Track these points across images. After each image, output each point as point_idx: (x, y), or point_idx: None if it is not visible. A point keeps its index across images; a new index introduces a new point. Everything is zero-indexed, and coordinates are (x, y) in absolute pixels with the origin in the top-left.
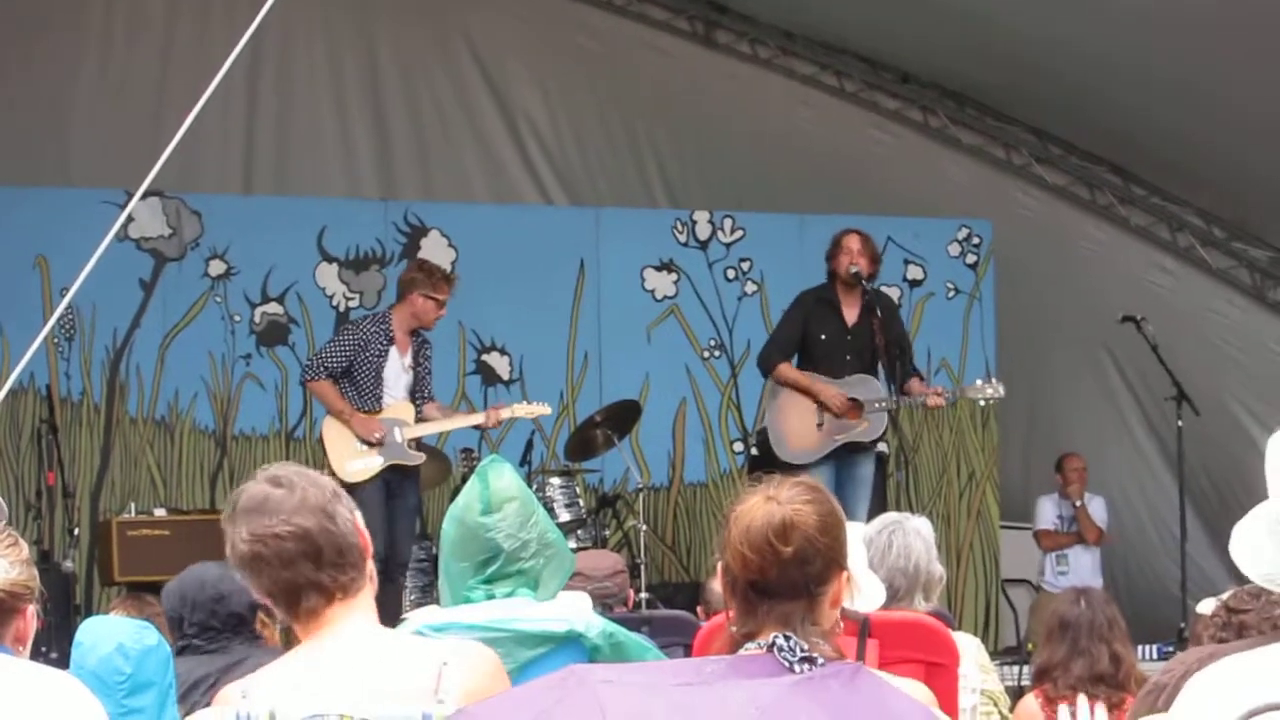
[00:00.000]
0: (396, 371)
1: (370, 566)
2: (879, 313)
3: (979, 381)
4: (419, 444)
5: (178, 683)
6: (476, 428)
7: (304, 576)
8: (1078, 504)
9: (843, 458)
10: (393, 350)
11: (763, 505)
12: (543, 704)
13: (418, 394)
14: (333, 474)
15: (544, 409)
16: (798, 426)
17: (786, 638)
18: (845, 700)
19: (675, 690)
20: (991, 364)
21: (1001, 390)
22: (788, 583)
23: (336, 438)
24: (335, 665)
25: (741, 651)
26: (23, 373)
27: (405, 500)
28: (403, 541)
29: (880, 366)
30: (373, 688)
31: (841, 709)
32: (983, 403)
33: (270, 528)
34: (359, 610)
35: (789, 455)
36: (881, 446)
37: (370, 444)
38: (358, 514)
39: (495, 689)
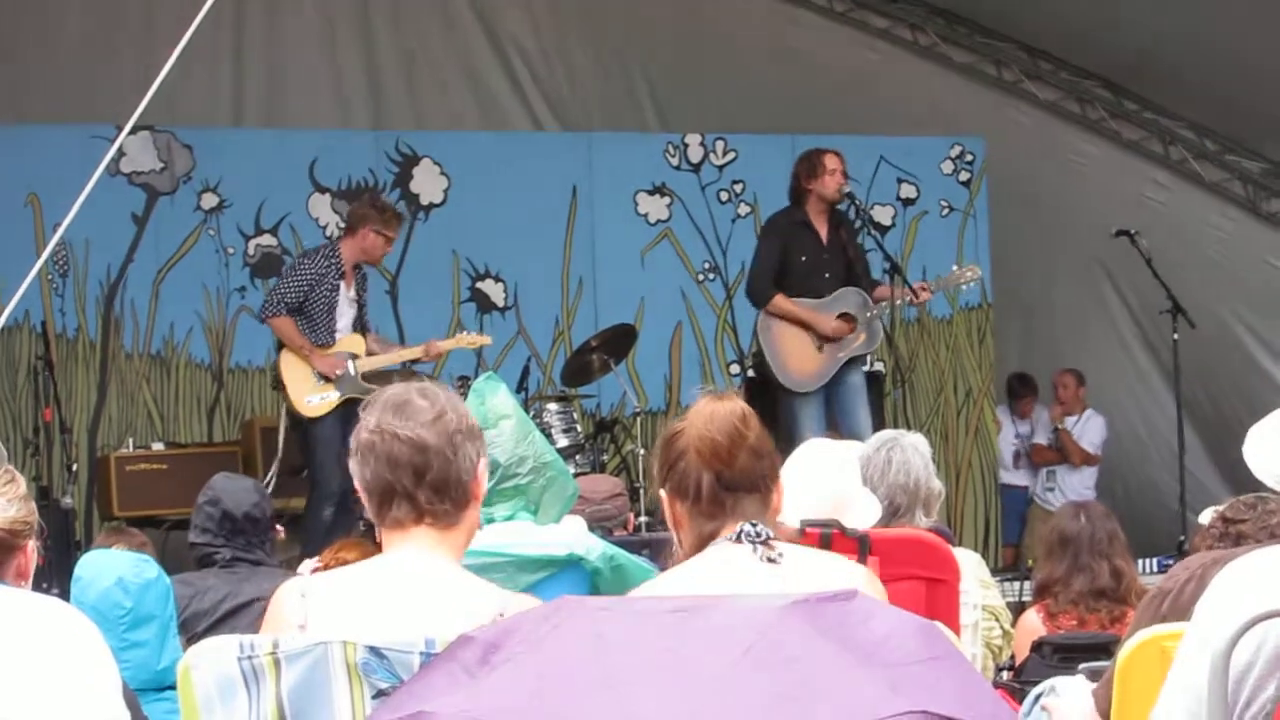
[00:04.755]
0: (344, 305)
1: (474, 516)
2: (845, 232)
3: (955, 269)
4: (408, 373)
5: (179, 609)
6: (414, 362)
7: (401, 484)
8: (1059, 427)
9: (833, 376)
10: (341, 284)
11: (716, 401)
12: (541, 632)
13: (358, 325)
14: (291, 408)
15: (485, 339)
16: (798, 352)
17: (753, 524)
18: (842, 620)
19: (671, 615)
20: (986, 281)
21: (978, 271)
22: (749, 474)
23: (294, 372)
24: (396, 590)
25: (711, 546)
26: (17, 309)
27: None
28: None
29: (856, 280)
30: (423, 621)
31: (839, 629)
32: (964, 287)
33: (394, 427)
34: (443, 545)
35: (793, 382)
36: (877, 365)
37: (328, 379)
38: (484, 462)
39: None
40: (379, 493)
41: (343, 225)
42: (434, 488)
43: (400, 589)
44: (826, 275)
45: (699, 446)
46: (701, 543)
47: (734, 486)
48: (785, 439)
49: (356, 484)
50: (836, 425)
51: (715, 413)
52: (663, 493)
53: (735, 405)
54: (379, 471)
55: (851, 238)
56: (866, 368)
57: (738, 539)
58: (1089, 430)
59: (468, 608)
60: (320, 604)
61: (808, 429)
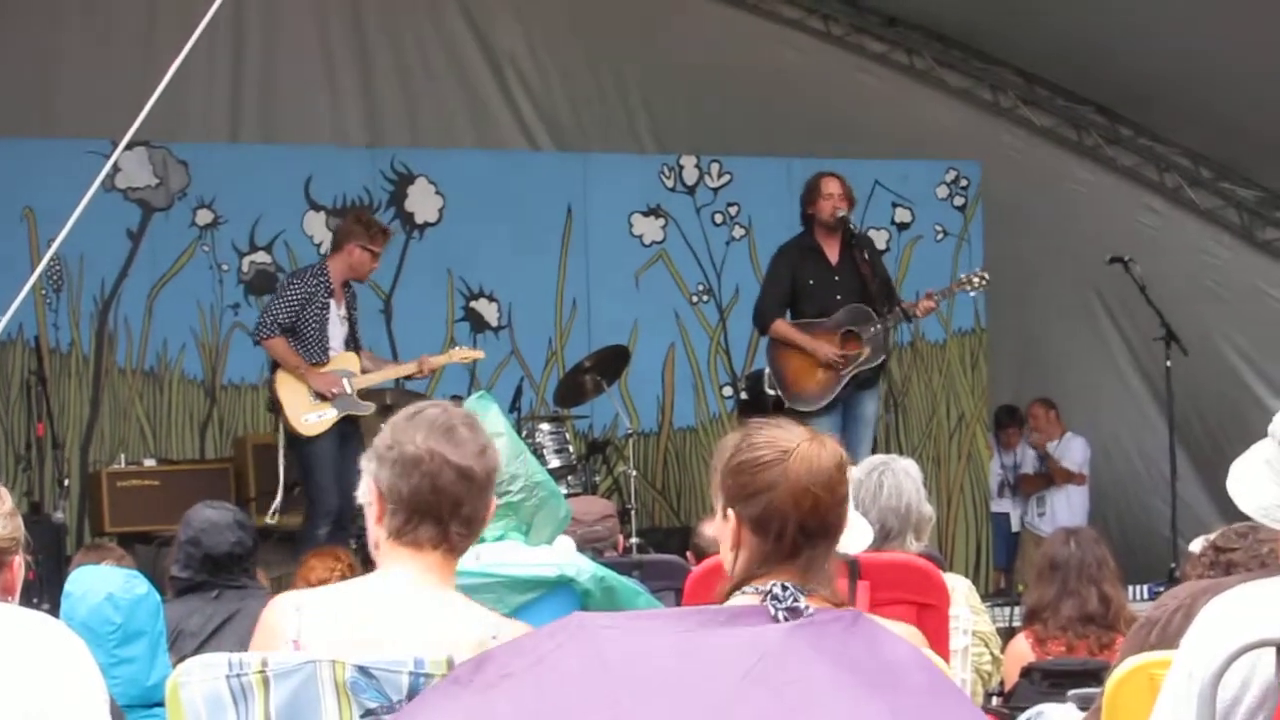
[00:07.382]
0: (335, 322)
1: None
2: (865, 252)
3: (961, 276)
4: (401, 392)
5: (169, 629)
6: (408, 378)
7: (438, 509)
8: (1045, 453)
9: (848, 398)
10: (331, 302)
11: (815, 445)
12: (543, 649)
13: (351, 342)
14: (289, 428)
15: (478, 353)
16: (803, 372)
17: (784, 587)
18: (844, 645)
19: (677, 635)
20: (980, 306)
21: (985, 276)
22: (831, 523)
23: (290, 392)
24: (392, 611)
25: (734, 600)
26: (11, 324)
27: (355, 450)
28: (355, 491)
29: (871, 300)
30: (416, 643)
31: (840, 653)
32: (972, 293)
33: (446, 451)
34: (444, 569)
35: (797, 401)
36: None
37: (324, 397)
38: (494, 498)
39: None
40: (411, 508)
41: None
42: (465, 521)
43: (396, 609)
44: (838, 297)
45: (799, 498)
46: (752, 576)
47: (814, 534)
48: None
49: (380, 492)
50: None
51: (820, 465)
52: (730, 513)
53: (837, 455)
54: (421, 489)
55: (870, 258)
56: (877, 389)
57: (763, 600)
58: (1069, 451)
59: (460, 631)
60: (314, 619)
61: None
